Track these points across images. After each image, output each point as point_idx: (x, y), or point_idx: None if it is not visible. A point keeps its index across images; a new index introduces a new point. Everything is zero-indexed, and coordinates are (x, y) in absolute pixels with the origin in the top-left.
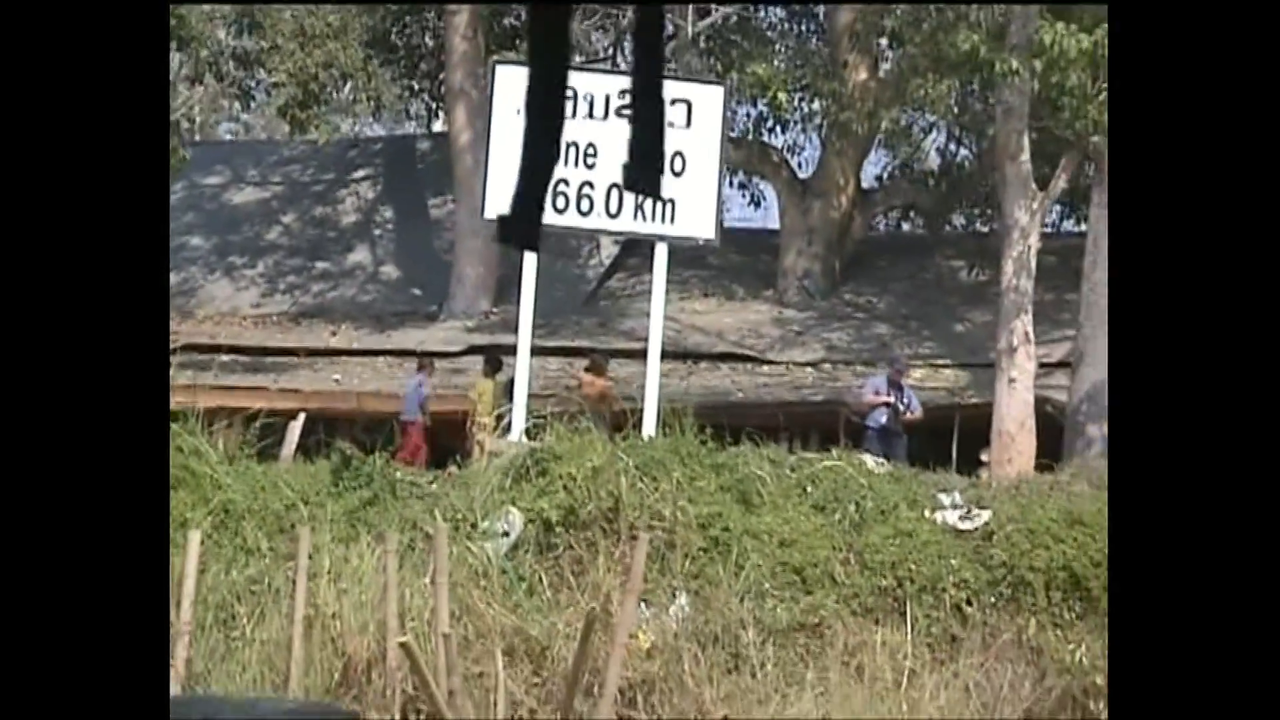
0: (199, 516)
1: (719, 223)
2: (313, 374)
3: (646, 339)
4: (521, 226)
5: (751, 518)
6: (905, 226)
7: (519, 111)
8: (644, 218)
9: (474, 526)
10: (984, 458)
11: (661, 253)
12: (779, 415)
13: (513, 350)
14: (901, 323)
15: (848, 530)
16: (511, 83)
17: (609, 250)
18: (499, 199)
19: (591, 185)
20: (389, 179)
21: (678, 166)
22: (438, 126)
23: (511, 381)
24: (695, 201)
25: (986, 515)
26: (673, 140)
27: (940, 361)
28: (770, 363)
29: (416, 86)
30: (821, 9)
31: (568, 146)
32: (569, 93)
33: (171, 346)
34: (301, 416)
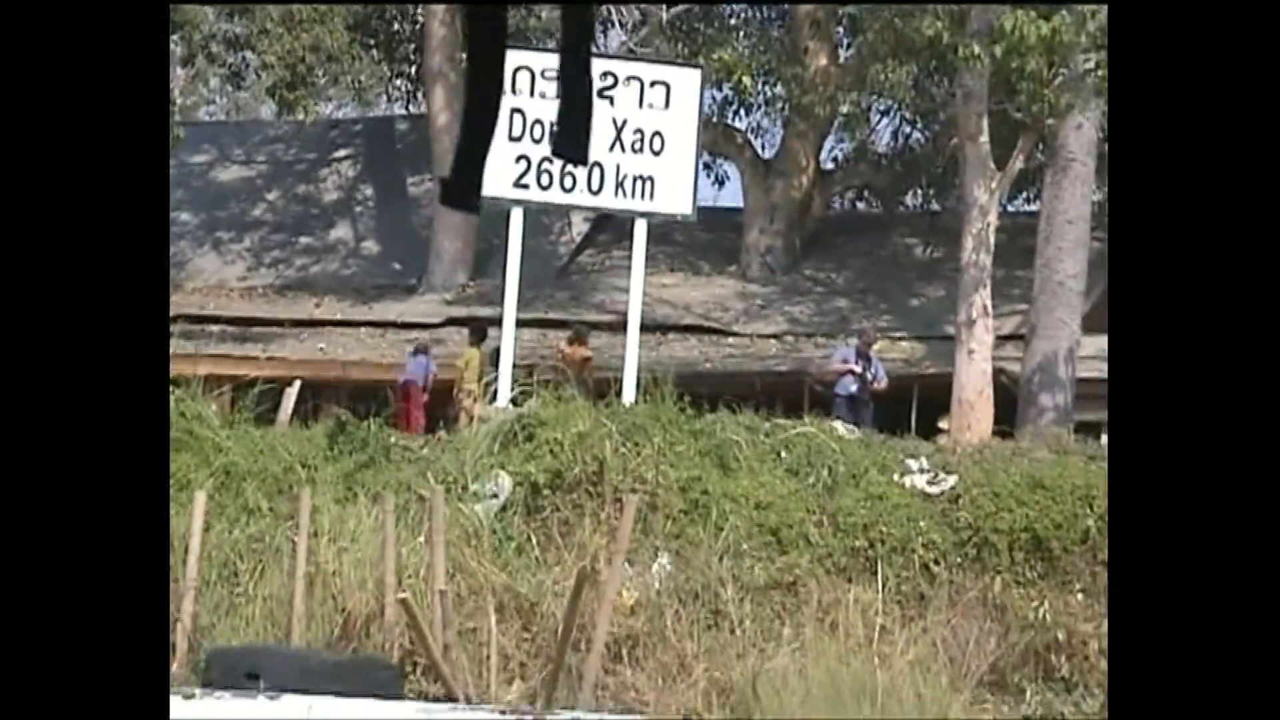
0: (202, 478)
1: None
2: (298, 344)
3: (617, 311)
4: (462, 190)
5: (729, 481)
6: (861, 206)
7: (511, 87)
8: (624, 194)
9: (465, 489)
10: (943, 425)
11: (641, 228)
12: (752, 384)
13: (489, 321)
14: (859, 297)
15: (821, 493)
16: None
17: (580, 227)
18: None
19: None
20: (369, 158)
21: (656, 146)
22: (416, 108)
23: (496, 351)
24: (673, 179)
25: (953, 480)
26: (651, 120)
27: (897, 334)
28: (735, 334)
29: (396, 70)
30: None
31: (546, 125)
32: (544, 73)
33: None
34: (297, 384)
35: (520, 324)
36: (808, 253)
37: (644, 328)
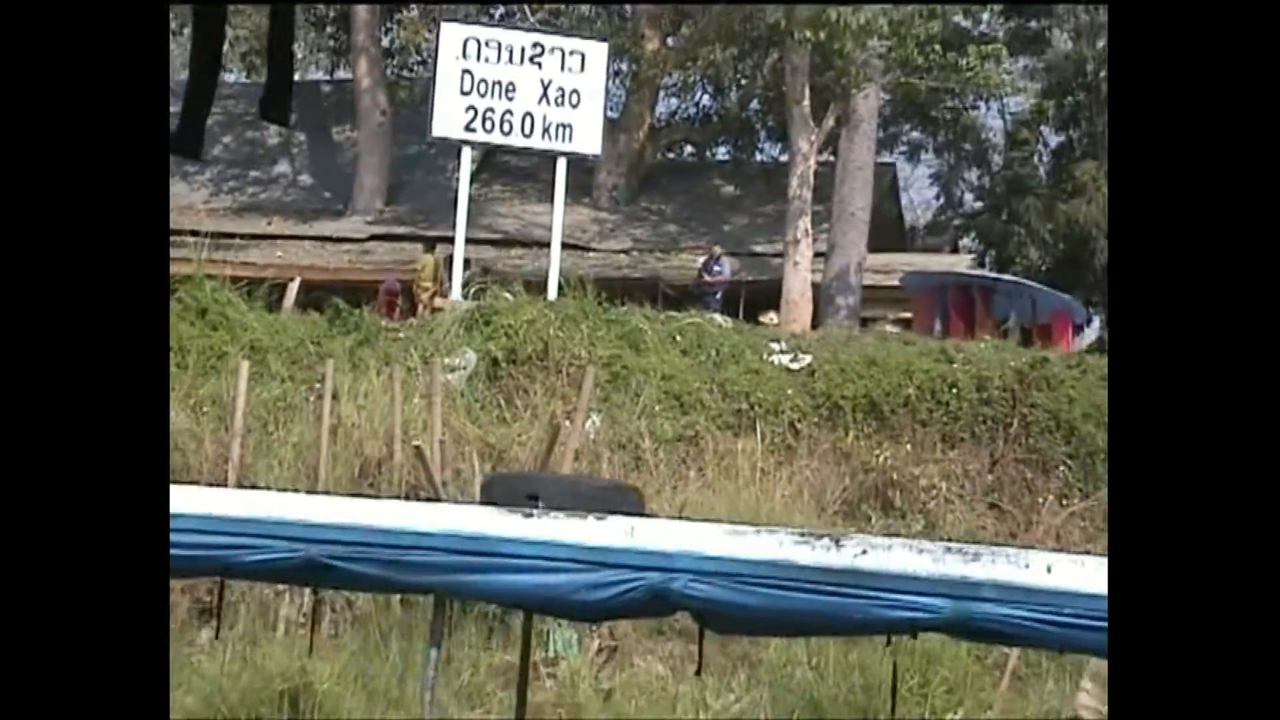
0: (234, 350)
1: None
2: (260, 252)
3: (502, 231)
4: (190, 138)
5: (640, 359)
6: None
7: (456, 58)
8: (549, 138)
9: (432, 362)
10: (764, 320)
11: (562, 165)
12: (613, 287)
13: (398, 238)
14: (684, 224)
15: (710, 368)
16: (452, 36)
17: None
18: (441, 122)
19: (511, 113)
20: (302, 113)
21: (574, 101)
22: (339, 75)
23: (448, 258)
24: (586, 127)
25: (808, 358)
26: (570, 81)
27: (716, 250)
28: (594, 250)
29: (323, 44)
30: None
31: (494, 84)
32: (486, 43)
33: None
34: (298, 280)
35: (428, 239)
36: (643, 189)
37: (525, 244)
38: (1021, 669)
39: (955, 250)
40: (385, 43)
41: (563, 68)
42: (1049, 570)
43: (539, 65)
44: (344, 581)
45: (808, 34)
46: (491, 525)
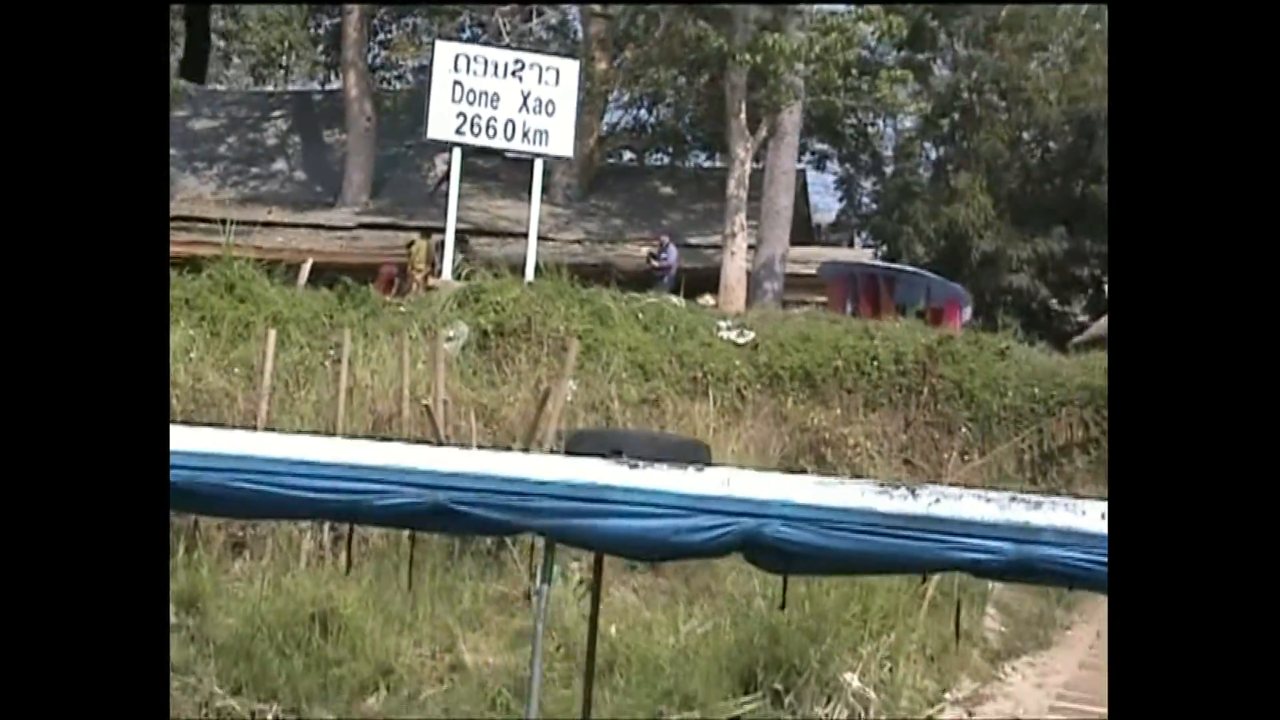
0: (259, 320)
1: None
2: (263, 237)
3: (471, 222)
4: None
5: (608, 332)
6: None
7: (449, 71)
8: (529, 141)
9: (437, 333)
10: (701, 301)
11: (538, 165)
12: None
13: (382, 226)
14: (628, 219)
15: (669, 342)
16: (445, 53)
17: (440, 168)
18: (435, 126)
19: (495, 119)
20: (296, 117)
21: (549, 110)
22: (328, 86)
23: (439, 244)
24: (559, 132)
25: (752, 334)
26: (546, 93)
27: (664, 240)
28: (552, 239)
29: (316, 58)
30: (577, 24)
31: (481, 94)
32: (474, 59)
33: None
34: (310, 261)
35: (408, 229)
36: (592, 189)
37: (490, 233)
38: (937, 598)
39: (852, 245)
40: (371, 58)
41: (540, 81)
42: (1102, 517)
43: (520, 79)
44: (467, 525)
45: (747, 57)
46: (602, 475)
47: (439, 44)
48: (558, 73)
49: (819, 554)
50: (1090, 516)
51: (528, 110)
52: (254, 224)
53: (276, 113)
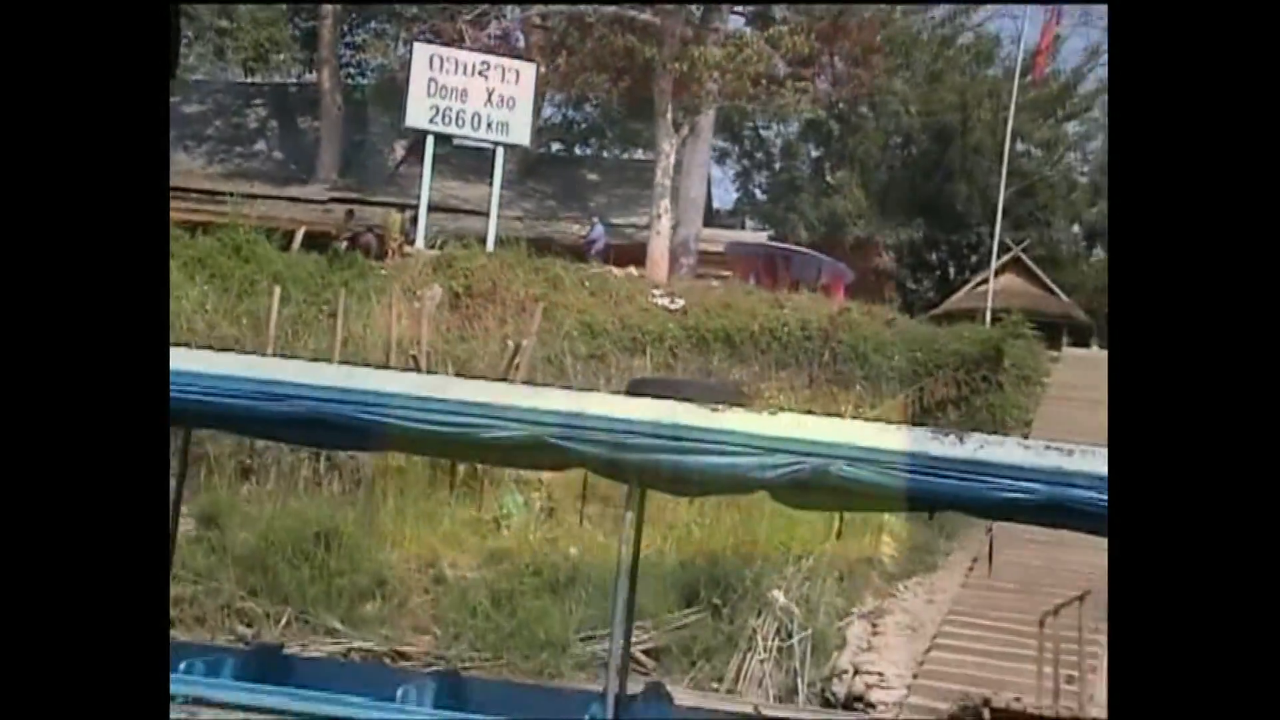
0: (262, 278)
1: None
2: (249, 206)
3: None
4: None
5: (560, 296)
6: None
7: (424, 69)
8: (492, 131)
9: (416, 294)
10: (625, 273)
11: (499, 153)
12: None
13: (349, 201)
14: (561, 201)
15: (612, 306)
16: (422, 53)
17: (399, 152)
18: (412, 116)
19: (464, 112)
20: (275, 106)
21: (510, 105)
22: (303, 80)
23: (412, 218)
24: (519, 124)
25: (682, 302)
26: (509, 90)
27: (595, 220)
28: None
29: (296, 56)
30: (519, 33)
31: (452, 89)
32: (445, 59)
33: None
34: (303, 229)
35: (373, 203)
36: (529, 174)
37: (444, 210)
38: (845, 528)
39: (744, 228)
40: (340, 57)
41: (503, 80)
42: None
43: (485, 77)
44: (565, 459)
45: (676, 65)
46: (687, 417)
47: (416, 45)
48: (518, 73)
49: (877, 491)
50: None
51: (491, 104)
52: (242, 195)
53: (257, 101)
